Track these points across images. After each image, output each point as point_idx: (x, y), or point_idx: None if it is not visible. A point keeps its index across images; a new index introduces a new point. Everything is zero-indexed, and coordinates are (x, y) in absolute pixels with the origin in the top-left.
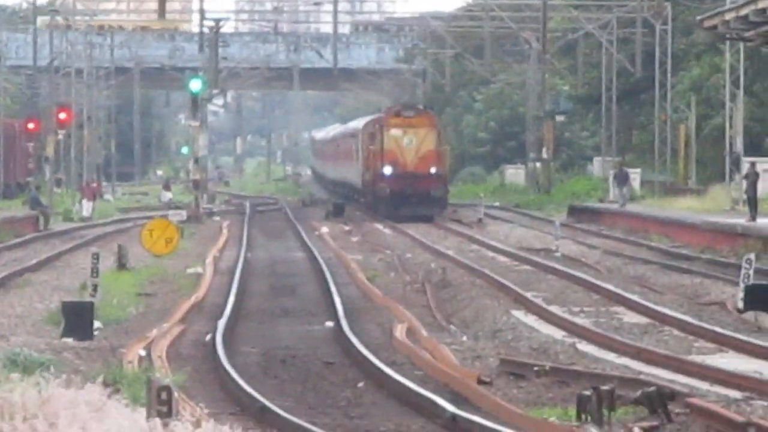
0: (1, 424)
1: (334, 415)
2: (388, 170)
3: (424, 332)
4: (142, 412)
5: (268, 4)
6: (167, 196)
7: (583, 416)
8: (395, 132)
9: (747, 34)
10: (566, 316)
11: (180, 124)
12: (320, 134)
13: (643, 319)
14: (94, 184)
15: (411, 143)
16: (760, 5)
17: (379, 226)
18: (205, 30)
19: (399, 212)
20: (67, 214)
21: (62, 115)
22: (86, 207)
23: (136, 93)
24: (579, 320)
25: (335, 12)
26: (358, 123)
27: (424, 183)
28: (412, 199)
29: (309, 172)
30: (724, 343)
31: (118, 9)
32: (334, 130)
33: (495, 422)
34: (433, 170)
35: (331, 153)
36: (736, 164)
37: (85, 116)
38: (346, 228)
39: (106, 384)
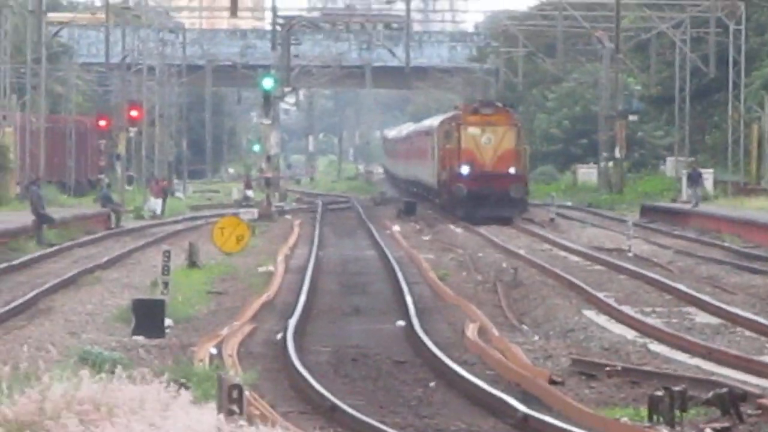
0: (66, 418)
1: (405, 415)
2: (465, 170)
3: (495, 331)
4: (210, 408)
5: (340, 2)
6: (249, 194)
7: (655, 417)
8: (473, 130)
9: None
10: (638, 316)
11: (252, 122)
12: (393, 132)
13: (714, 320)
14: (163, 182)
15: (489, 142)
16: None
17: (451, 226)
18: (277, 28)
19: (476, 213)
20: (138, 211)
21: (133, 113)
22: (155, 204)
23: (207, 90)
24: (651, 320)
25: (408, 10)
26: (433, 121)
27: (503, 183)
28: (490, 199)
29: (381, 170)
30: None
31: (190, 6)
32: (407, 128)
33: (566, 422)
34: (512, 170)
35: (404, 151)
36: None
37: (156, 113)
38: (417, 227)
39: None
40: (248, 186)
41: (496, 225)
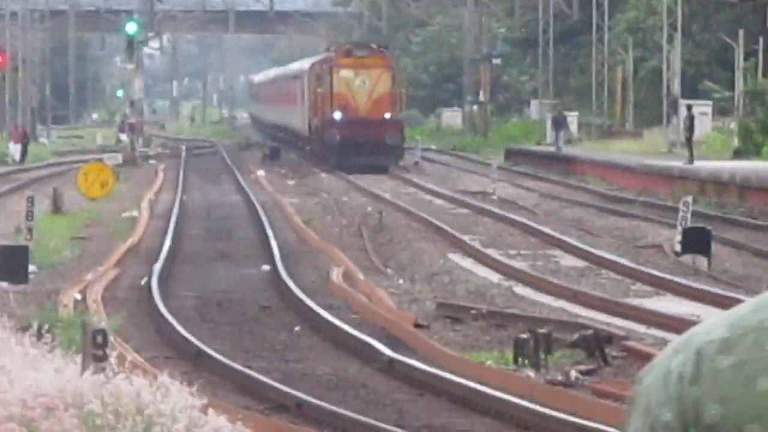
0: None
1: (271, 359)
2: (338, 115)
3: (360, 276)
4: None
5: None
6: (122, 137)
7: (521, 360)
8: (346, 73)
9: None
10: (503, 259)
11: (116, 67)
12: (260, 77)
13: (580, 263)
14: (21, 127)
15: (364, 85)
16: None
17: (315, 169)
18: None
19: (350, 162)
20: (1, 157)
21: None
22: (14, 150)
23: (71, 36)
24: (516, 263)
25: None
26: (303, 63)
27: (378, 129)
28: (365, 147)
29: (246, 116)
30: (662, 286)
31: None
32: (275, 72)
33: (432, 366)
34: (388, 115)
35: (272, 96)
36: (674, 107)
37: (20, 59)
38: (282, 171)
39: (40, 332)
40: (122, 130)
41: (370, 174)
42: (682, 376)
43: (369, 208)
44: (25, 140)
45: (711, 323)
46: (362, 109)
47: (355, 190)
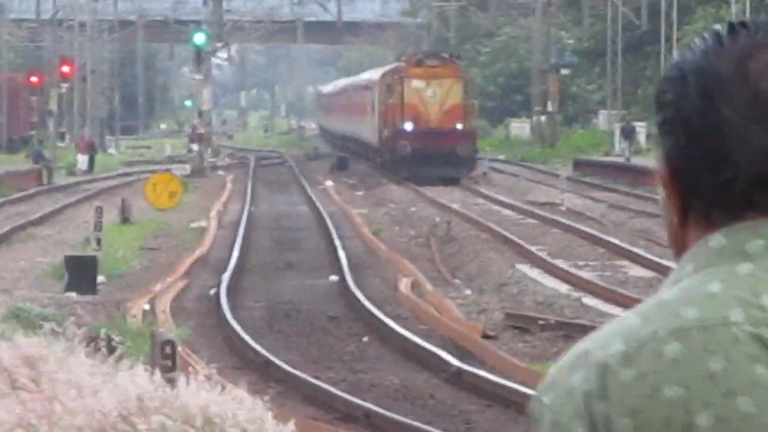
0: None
1: (339, 370)
2: (409, 126)
3: (428, 286)
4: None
5: None
6: (194, 147)
7: None
8: (417, 83)
9: None
10: (571, 270)
11: (184, 78)
12: (329, 87)
13: (648, 273)
14: (90, 139)
15: (435, 96)
16: None
17: (384, 180)
18: None
19: (422, 173)
20: (70, 168)
21: (65, 69)
22: (82, 161)
23: (139, 46)
24: (584, 274)
25: None
26: (373, 74)
27: (449, 140)
28: (436, 158)
29: (314, 126)
30: None
31: None
32: (344, 82)
33: (500, 377)
34: (459, 126)
35: (341, 107)
36: None
37: (88, 70)
38: (351, 182)
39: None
40: (192, 140)
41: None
42: (588, 392)
43: (437, 219)
44: (92, 151)
45: (604, 337)
46: (434, 119)
47: (424, 201)
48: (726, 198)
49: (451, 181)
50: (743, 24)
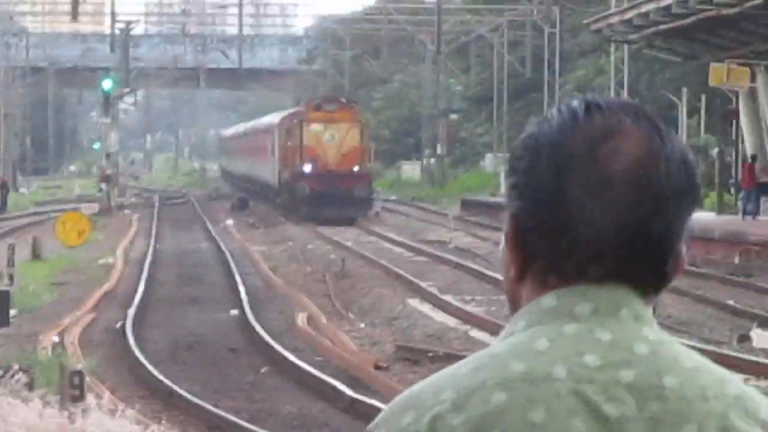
0: None
1: (239, 399)
2: (308, 168)
3: (324, 320)
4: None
5: (176, 7)
6: (103, 187)
7: None
8: (316, 127)
9: (631, 37)
10: (459, 304)
11: (92, 121)
12: (230, 131)
13: None
14: (1, 178)
15: (333, 139)
16: (644, 9)
17: (281, 218)
18: (116, 31)
19: (320, 213)
20: None
21: None
22: None
23: (50, 92)
24: (471, 308)
25: (240, 14)
26: (274, 117)
27: (347, 182)
28: (334, 199)
29: (216, 168)
30: None
31: (33, 11)
32: (245, 125)
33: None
34: (356, 168)
35: (242, 149)
36: None
37: (1, 114)
38: (251, 221)
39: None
40: (103, 180)
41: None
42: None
43: (332, 256)
44: (4, 190)
45: (436, 385)
46: (332, 162)
47: (320, 239)
48: (562, 265)
49: (348, 221)
50: (599, 105)
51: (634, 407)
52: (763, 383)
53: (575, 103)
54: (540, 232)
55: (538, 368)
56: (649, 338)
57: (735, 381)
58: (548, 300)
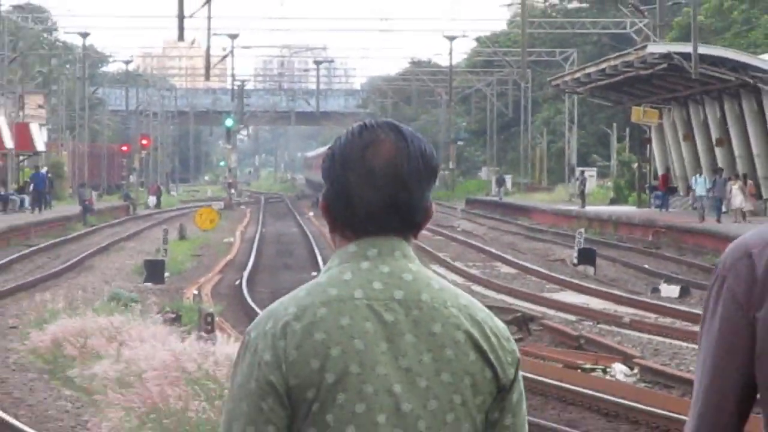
0: (98, 339)
1: None
2: None
3: None
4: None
5: (275, 70)
6: (232, 192)
7: None
8: None
9: (579, 89)
10: (464, 268)
11: (219, 147)
12: (311, 153)
13: (513, 270)
14: (157, 185)
15: None
16: (587, 71)
17: None
18: (235, 87)
19: None
20: (145, 204)
21: (144, 141)
22: (151, 200)
23: (191, 127)
24: (473, 271)
25: (318, 75)
26: None
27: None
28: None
29: (301, 177)
30: (564, 285)
31: (179, 73)
32: (322, 149)
33: None
34: None
35: (319, 165)
36: (572, 171)
37: (158, 142)
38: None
39: (173, 312)
40: (228, 186)
41: None
42: (275, 334)
43: None
44: (158, 193)
45: (285, 304)
46: None
47: None
48: (352, 225)
49: None
50: (367, 125)
51: (403, 314)
52: (668, 320)
53: (355, 125)
54: (337, 205)
55: (345, 292)
56: (412, 270)
57: (465, 296)
58: (351, 247)
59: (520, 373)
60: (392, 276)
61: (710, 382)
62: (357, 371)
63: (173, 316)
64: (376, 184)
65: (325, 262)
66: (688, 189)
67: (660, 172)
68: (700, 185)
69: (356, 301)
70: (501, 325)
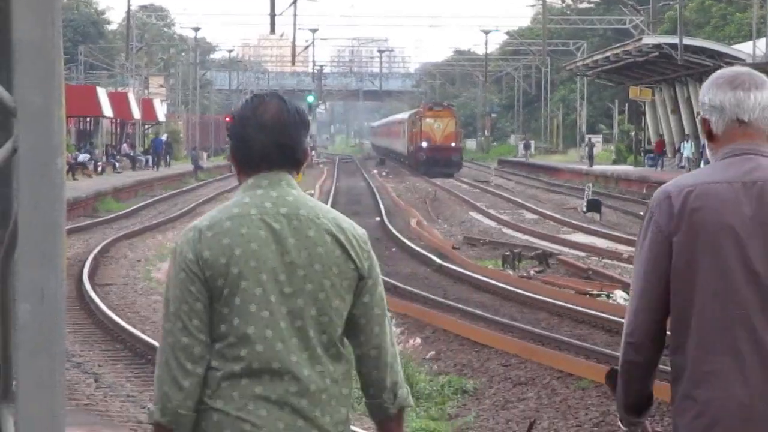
0: None
1: (380, 265)
2: (424, 144)
3: (425, 222)
4: None
5: (346, 57)
6: (314, 152)
7: (506, 265)
8: (429, 120)
9: (588, 73)
10: (497, 214)
11: None
12: (376, 123)
13: (535, 216)
14: None
15: (439, 127)
16: (595, 58)
17: (402, 170)
18: (315, 70)
19: (432, 171)
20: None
21: (227, 119)
22: None
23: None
24: (503, 216)
25: (381, 61)
26: (404, 115)
27: (447, 152)
28: (440, 162)
29: (368, 143)
30: (576, 228)
31: (271, 60)
32: (386, 119)
33: (461, 268)
34: (453, 144)
35: (383, 133)
36: (582, 138)
37: None
38: (386, 171)
39: None
40: (312, 149)
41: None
42: (194, 239)
43: (429, 189)
44: None
45: (203, 219)
46: (438, 140)
47: (423, 181)
48: (250, 164)
49: (449, 175)
50: (257, 94)
51: (286, 224)
52: None
53: (251, 95)
54: (239, 151)
55: (244, 210)
56: (294, 194)
57: (333, 211)
58: (251, 180)
59: (376, 267)
60: (279, 198)
61: (642, 286)
62: (254, 265)
63: None
64: (266, 132)
65: (386, 210)
66: (675, 152)
67: (654, 140)
68: (687, 149)
69: (252, 216)
70: (361, 231)
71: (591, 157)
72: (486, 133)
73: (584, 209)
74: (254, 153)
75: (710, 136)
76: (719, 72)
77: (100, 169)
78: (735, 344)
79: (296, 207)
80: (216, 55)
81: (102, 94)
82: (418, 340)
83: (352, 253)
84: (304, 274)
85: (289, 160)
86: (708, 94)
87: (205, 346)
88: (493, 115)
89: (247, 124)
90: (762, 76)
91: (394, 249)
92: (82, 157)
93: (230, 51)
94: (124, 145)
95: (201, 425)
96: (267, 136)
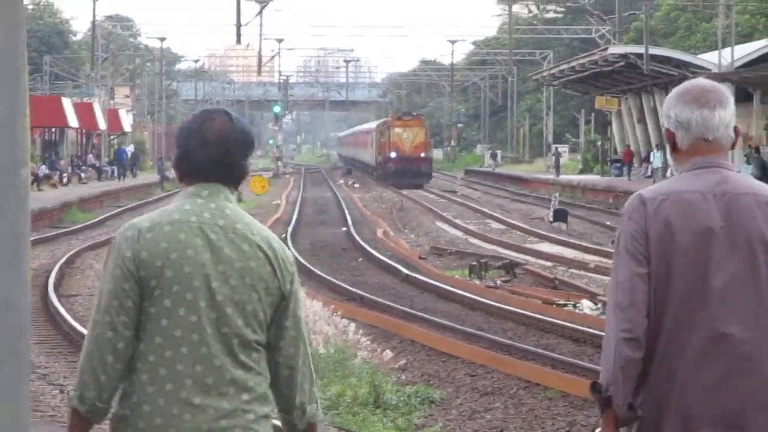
0: None
1: (347, 274)
2: (393, 154)
3: (391, 233)
4: None
5: (313, 67)
6: (279, 163)
7: (472, 275)
8: (398, 129)
9: (554, 82)
10: (464, 224)
11: (269, 128)
12: (343, 133)
13: (501, 226)
14: None
15: (408, 137)
16: (561, 68)
17: (370, 180)
18: (281, 80)
19: (401, 182)
20: None
21: None
22: None
23: (246, 112)
24: (470, 226)
25: (347, 71)
26: (371, 125)
27: (417, 163)
28: (409, 173)
29: (335, 154)
30: (542, 237)
31: (237, 70)
32: (352, 129)
33: (428, 278)
34: (422, 155)
35: (350, 143)
36: (549, 147)
37: None
38: (351, 182)
39: None
40: (276, 159)
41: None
42: (133, 237)
43: (396, 199)
44: None
45: (143, 220)
46: (408, 150)
47: (391, 192)
48: (191, 175)
49: (418, 186)
50: (206, 109)
51: (223, 235)
52: None
53: (199, 110)
54: (183, 162)
55: (184, 217)
56: (231, 208)
57: (266, 230)
58: (192, 189)
59: (298, 291)
60: (217, 209)
61: (624, 271)
62: (188, 270)
63: None
64: (208, 148)
65: (352, 220)
66: (642, 161)
67: (620, 149)
68: (657, 158)
69: (191, 224)
70: (288, 254)
71: (558, 167)
72: (452, 142)
73: (551, 219)
74: (194, 166)
75: (674, 148)
76: (685, 86)
77: (65, 179)
78: (701, 343)
79: (233, 221)
80: (182, 66)
81: (67, 104)
82: (387, 351)
83: (278, 273)
84: (235, 285)
85: (228, 177)
86: (674, 109)
87: (130, 343)
88: (460, 125)
89: (191, 137)
90: (726, 91)
91: (360, 259)
92: (42, 169)
93: (196, 61)
94: (90, 155)
95: (128, 430)
96: (209, 152)
